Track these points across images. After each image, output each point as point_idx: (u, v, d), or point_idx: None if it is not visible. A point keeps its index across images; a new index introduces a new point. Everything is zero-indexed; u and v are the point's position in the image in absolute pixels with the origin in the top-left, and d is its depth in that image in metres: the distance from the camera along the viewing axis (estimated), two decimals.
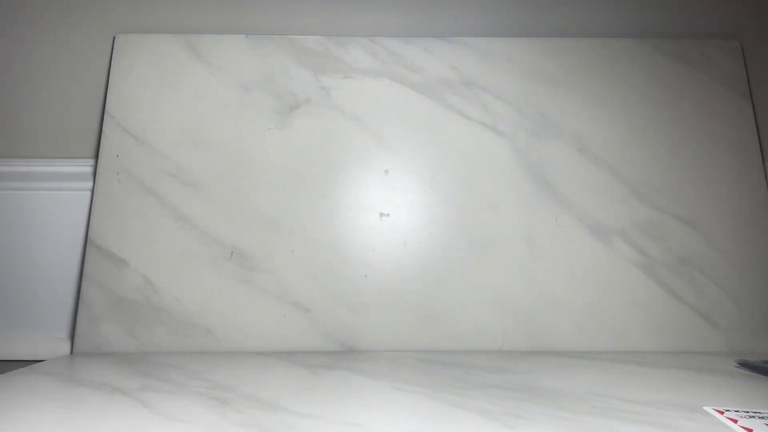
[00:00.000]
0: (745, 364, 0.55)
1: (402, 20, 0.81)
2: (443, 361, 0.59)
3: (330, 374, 0.53)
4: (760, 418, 0.36)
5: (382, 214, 0.72)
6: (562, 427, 0.35)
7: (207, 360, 0.60)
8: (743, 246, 0.71)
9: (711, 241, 0.71)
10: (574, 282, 0.70)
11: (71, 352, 0.68)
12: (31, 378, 0.51)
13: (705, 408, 0.38)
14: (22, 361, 0.68)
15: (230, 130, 0.74)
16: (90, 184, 0.74)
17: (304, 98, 0.75)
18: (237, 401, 0.43)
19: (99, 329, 0.67)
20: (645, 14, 0.81)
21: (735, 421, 0.35)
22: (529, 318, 0.68)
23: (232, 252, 0.70)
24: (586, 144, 0.74)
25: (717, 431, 0.34)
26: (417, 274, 0.70)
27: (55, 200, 0.74)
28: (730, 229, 0.72)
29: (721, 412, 0.37)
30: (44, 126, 0.77)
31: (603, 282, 0.70)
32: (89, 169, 0.74)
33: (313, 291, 0.69)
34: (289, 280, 0.69)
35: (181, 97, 0.75)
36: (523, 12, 0.81)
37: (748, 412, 0.37)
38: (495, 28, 0.81)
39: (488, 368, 0.56)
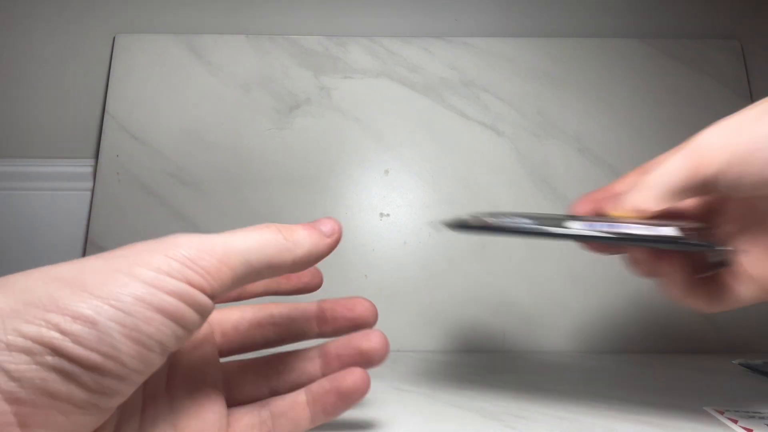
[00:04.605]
0: (745, 364, 0.55)
1: (402, 20, 0.81)
2: (443, 361, 0.59)
3: None
4: (760, 418, 0.36)
5: (382, 214, 0.72)
6: (562, 427, 0.35)
7: None
8: None
9: None
10: (574, 282, 0.69)
11: None
12: None
13: (705, 408, 0.38)
14: None
15: (230, 130, 0.74)
16: (90, 184, 0.74)
17: (304, 98, 0.75)
18: None
19: None
20: (645, 14, 0.81)
21: (735, 421, 0.35)
22: (529, 318, 0.68)
23: None
24: (586, 144, 0.74)
25: (717, 431, 0.34)
26: (417, 274, 0.70)
27: (55, 200, 0.74)
28: None
29: (721, 412, 0.37)
30: (44, 126, 0.76)
31: (603, 282, 0.70)
32: (89, 169, 0.74)
33: None
34: None
35: (181, 97, 0.75)
36: (523, 12, 0.81)
37: (748, 412, 0.37)
38: (495, 28, 0.81)
39: (488, 368, 0.56)
